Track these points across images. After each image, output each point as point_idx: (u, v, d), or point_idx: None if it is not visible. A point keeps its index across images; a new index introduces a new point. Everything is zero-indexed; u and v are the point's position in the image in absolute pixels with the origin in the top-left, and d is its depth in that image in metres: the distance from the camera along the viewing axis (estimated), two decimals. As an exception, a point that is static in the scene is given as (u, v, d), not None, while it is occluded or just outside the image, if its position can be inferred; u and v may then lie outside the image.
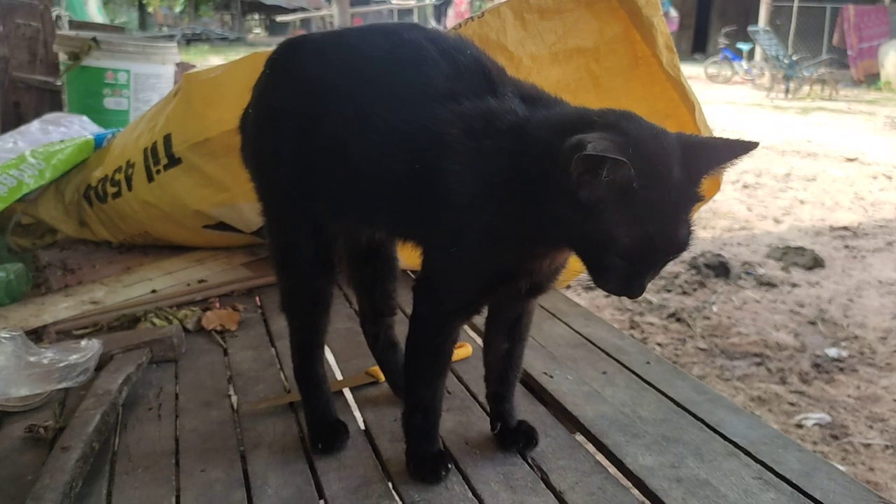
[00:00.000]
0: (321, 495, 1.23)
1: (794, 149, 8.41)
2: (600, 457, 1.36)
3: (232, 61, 2.21)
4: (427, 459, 1.26)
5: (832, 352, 3.41)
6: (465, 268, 1.15)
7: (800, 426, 2.78)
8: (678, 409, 1.48)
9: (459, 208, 1.11)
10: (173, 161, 2.16)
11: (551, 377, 1.62)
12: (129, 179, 2.27)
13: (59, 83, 3.74)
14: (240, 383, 1.62)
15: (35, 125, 2.86)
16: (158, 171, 2.19)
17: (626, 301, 3.96)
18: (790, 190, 6.54)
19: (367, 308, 1.51)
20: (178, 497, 1.23)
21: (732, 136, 1.07)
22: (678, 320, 3.73)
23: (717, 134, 1.84)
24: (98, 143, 2.59)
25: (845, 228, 5.40)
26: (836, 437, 2.71)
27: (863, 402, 2.97)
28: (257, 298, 2.09)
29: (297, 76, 1.27)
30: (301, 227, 1.30)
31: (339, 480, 1.26)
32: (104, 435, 1.37)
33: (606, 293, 1.09)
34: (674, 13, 18.82)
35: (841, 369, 3.25)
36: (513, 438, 1.35)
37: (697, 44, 20.53)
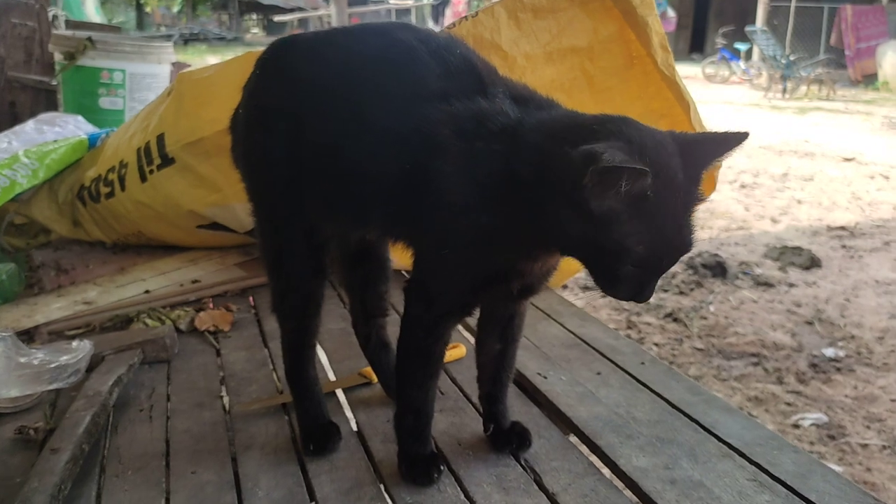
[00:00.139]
0: (312, 497, 1.22)
1: (791, 149, 8.41)
2: (594, 458, 1.35)
3: (225, 61, 2.20)
4: (419, 461, 1.25)
5: (829, 352, 3.40)
6: (457, 269, 1.14)
7: (797, 426, 2.77)
8: (672, 410, 1.48)
9: (451, 209, 1.10)
10: (166, 161, 2.15)
11: (545, 378, 1.61)
12: (122, 179, 2.26)
13: (54, 83, 3.73)
14: (232, 384, 1.61)
15: (30, 125, 2.85)
16: (152, 171, 2.18)
17: (623, 302, 3.94)
18: (787, 190, 6.54)
19: (359, 309, 1.50)
20: (167, 499, 1.22)
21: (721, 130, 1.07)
22: (675, 320, 3.73)
23: (712, 133, 1.84)
24: (92, 142, 2.58)
25: (842, 228, 5.40)
26: (833, 438, 2.70)
27: (860, 402, 2.97)
28: (251, 299, 2.08)
29: (288, 76, 1.26)
30: (292, 228, 1.29)
31: (331, 482, 1.25)
32: (94, 436, 1.36)
33: (605, 296, 1.08)
34: (671, 13, 18.81)
35: (838, 369, 3.25)
36: (506, 440, 1.34)
37: (695, 44, 20.54)
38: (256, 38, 27.21)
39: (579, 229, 0.99)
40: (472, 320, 1.36)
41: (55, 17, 4.25)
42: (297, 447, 1.36)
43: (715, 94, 13.10)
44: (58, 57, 3.52)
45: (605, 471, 1.31)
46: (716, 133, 1.05)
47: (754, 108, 11.82)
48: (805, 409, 2.90)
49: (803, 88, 13.69)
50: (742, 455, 1.32)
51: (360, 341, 1.54)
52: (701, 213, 1.07)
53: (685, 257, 1.07)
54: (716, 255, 4.53)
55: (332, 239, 1.34)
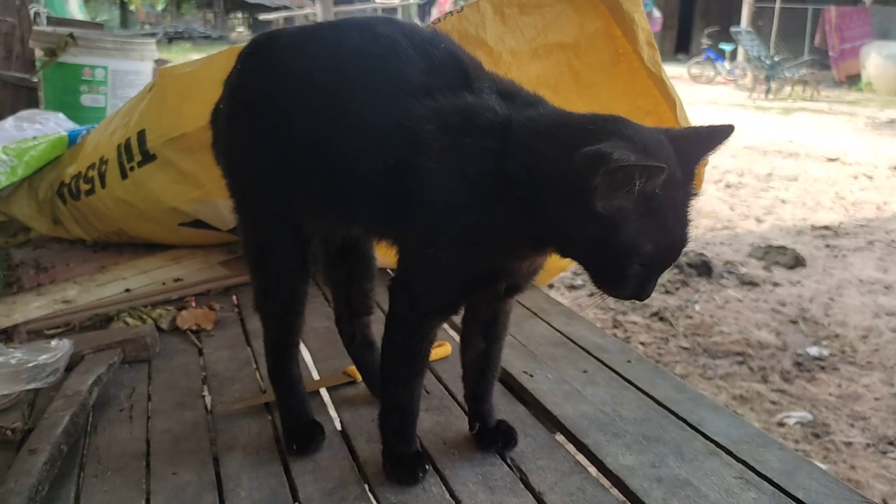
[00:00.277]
0: (296, 497, 1.21)
1: (775, 149, 8.46)
2: (580, 457, 1.34)
3: (208, 56, 2.18)
4: (404, 460, 1.24)
5: (813, 350, 3.42)
6: (443, 268, 1.13)
7: (781, 424, 2.78)
8: (659, 408, 1.47)
9: (436, 207, 1.08)
10: (148, 157, 2.12)
11: (531, 376, 1.60)
12: (102, 176, 2.23)
13: (35, 80, 3.69)
14: (214, 384, 1.59)
15: (10, 122, 2.82)
16: (132, 168, 2.15)
17: (609, 300, 3.94)
18: (772, 190, 6.58)
19: (343, 307, 1.48)
20: (148, 500, 1.20)
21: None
22: (661, 319, 3.73)
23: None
24: (72, 139, 2.55)
25: (826, 228, 5.43)
26: (817, 436, 2.71)
27: (844, 400, 2.98)
28: (234, 297, 2.05)
29: (270, 71, 1.24)
30: (275, 225, 1.28)
31: (315, 482, 1.24)
32: (73, 437, 1.33)
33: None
34: (657, 13, 18.90)
35: (822, 368, 3.26)
36: (492, 438, 1.33)
37: (680, 44, 20.64)
38: (242, 37, 27.06)
39: (584, 230, 0.99)
40: (458, 318, 1.35)
41: (37, 13, 4.20)
42: (281, 447, 1.34)
43: (700, 95, 13.16)
44: (39, 53, 3.48)
45: (592, 469, 1.30)
46: (703, 127, 1.06)
47: (739, 109, 11.89)
48: (790, 407, 2.91)
49: (787, 89, 13.79)
50: (728, 453, 1.31)
51: (343, 340, 1.52)
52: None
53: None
54: (701, 254, 4.55)
55: (316, 236, 1.32)
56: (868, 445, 2.66)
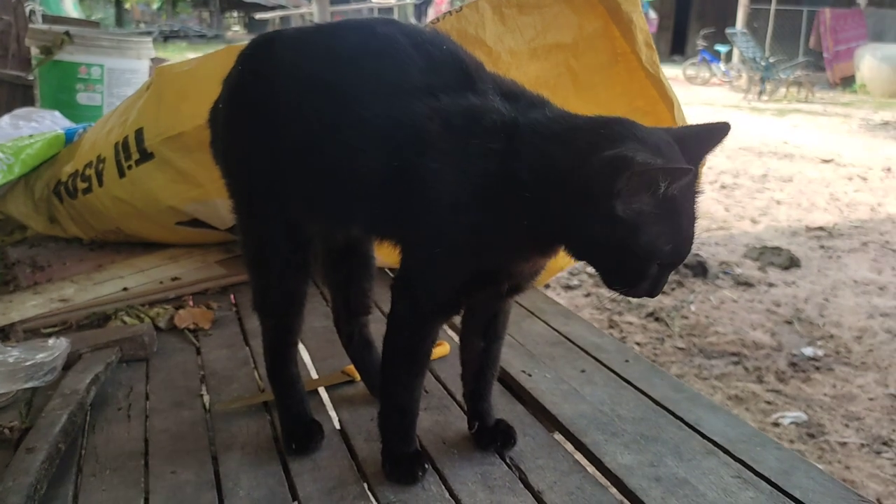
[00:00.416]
0: (295, 497, 1.21)
1: (770, 150, 8.49)
2: (579, 456, 1.35)
3: (206, 54, 2.17)
4: (403, 460, 1.24)
5: (808, 351, 3.43)
6: (447, 268, 1.13)
7: (776, 425, 2.79)
8: (657, 408, 1.47)
9: (441, 208, 1.08)
10: (145, 156, 2.11)
11: (530, 375, 1.60)
12: (99, 175, 2.23)
13: (31, 78, 3.67)
14: (213, 383, 1.59)
15: (6, 120, 2.81)
16: (130, 167, 2.14)
17: (605, 300, 3.96)
18: (767, 191, 6.60)
19: (342, 307, 1.48)
20: (146, 499, 1.19)
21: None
22: (657, 319, 3.74)
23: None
24: (69, 137, 2.54)
25: (821, 229, 5.45)
26: (812, 436, 2.72)
27: (839, 400, 3.00)
28: (232, 297, 2.05)
29: (270, 72, 1.24)
30: (274, 225, 1.27)
31: (314, 481, 1.24)
32: (71, 436, 1.33)
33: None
34: (653, 14, 18.94)
35: (817, 368, 3.28)
36: (491, 438, 1.33)
37: (676, 45, 20.68)
38: (237, 36, 27.02)
39: (602, 233, 0.99)
40: (457, 318, 1.35)
41: (32, 11, 4.19)
42: (279, 446, 1.34)
43: (695, 96, 13.19)
44: (34, 51, 3.46)
45: (591, 468, 1.31)
46: (701, 126, 1.08)
47: (734, 110, 11.92)
48: (785, 407, 2.92)
49: (782, 90, 13.83)
50: (726, 452, 1.32)
51: (342, 339, 1.52)
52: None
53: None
54: (697, 254, 4.56)
55: (316, 236, 1.32)
56: (862, 445, 2.67)
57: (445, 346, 1.70)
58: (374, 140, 1.12)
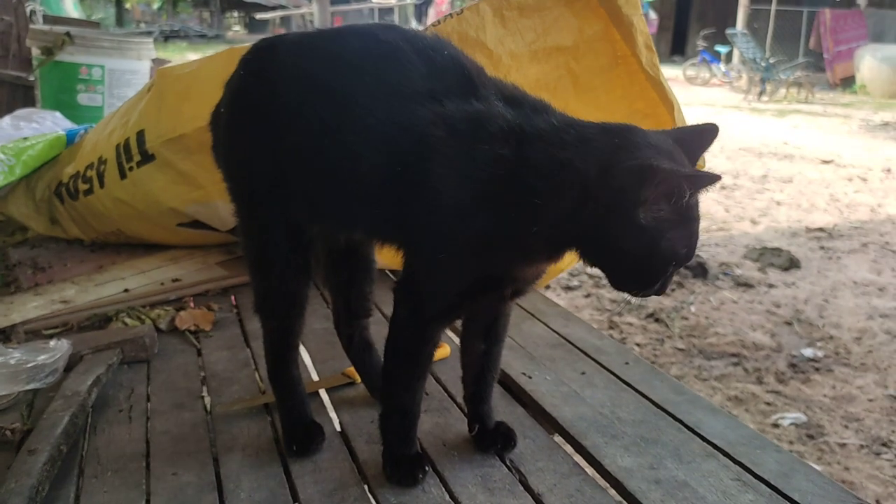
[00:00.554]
0: (296, 498, 1.21)
1: (770, 151, 8.49)
2: (579, 458, 1.35)
3: (207, 56, 2.18)
4: (404, 462, 1.24)
5: (808, 352, 3.44)
6: (450, 273, 1.13)
7: (776, 426, 2.79)
8: (657, 410, 1.48)
9: (446, 213, 1.09)
10: (146, 157, 2.11)
11: (530, 378, 1.61)
12: (101, 176, 2.23)
13: (32, 78, 3.67)
14: (214, 384, 1.59)
15: (6, 121, 2.81)
16: (131, 168, 2.15)
17: (605, 301, 3.97)
18: (767, 191, 6.61)
19: (343, 309, 1.48)
20: (147, 501, 1.20)
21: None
22: (656, 321, 3.74)
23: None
24: (70, 138, 2.54)
25: (821, 230, 5.45)
26: (812, 437, 2.73)
27: (838, 401, 3.00)
28: (233, 298, 2.06)
29: (272, 77, 1.24)
30: (276, 228, 1.27)
31: (315, 483, 1.24)
32: (73, 437, 1.33)
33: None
34: (653, 15, 18.95)
35: (816, 369, 3.28)
36: (491, 440, 1.33)
37: (676, 46, 20.68)
38: (238, 36, 27.04)
39: (623, 239, 1.02)
40: (458, 320, 1.35)
41: (33, 11, 4.19)
42: (280, 448, 1.34)
43: (695, 96, 13.20)
44: (35, 52, 3.46)
45: (590, 471, 1.31)
46: (692, 127, 1.11)
47: (734, 111, 11.93)
48: (784, 408, 2.92)
49: (782, 91, 13.84)
50: (726, 455, 1.32)
51: (342, 342, 1.52)
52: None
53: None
54: (696, 255, 4.55)
55: (318, 239, 1.32)
56: (862, 447, 2.67)
57: (446, 347, 1.70)
58: (377, 145, 1.13)
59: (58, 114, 2.95)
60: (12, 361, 1.51)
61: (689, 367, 3.26)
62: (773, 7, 15.21)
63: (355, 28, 1.27)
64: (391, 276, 2.01)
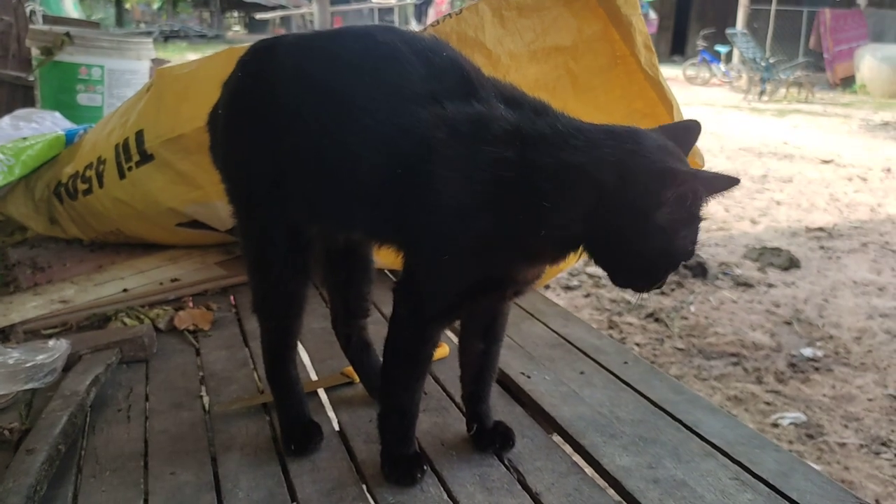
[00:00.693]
0: (293, 498, 1.21)
1: (770, 150, 8.49)
2: (577, 457, 1.35)
3: (206, 56, 2.18)
4: (402, 461, 1.24)
5: (807, 352, 3.43)
6: (452, 274, 1.13)
7: (776, 425, 2.79)
8: (656, 410, 1.48)
9: (448, 214, 1.09)
10: (145, 157, 2.11)
11: (529, 377, 1.60)
12: (100, 176, 2.23)
13: (31, 78, 3.68)
14: (212, 384, 1.59)
15: (6, 121, 2.81)
16: (130, 168, 2.15)
17: (604, 301, 3.97)
18: (767, 191, 6.60)
19: (341, 309, 1.48)
20: (146, 500, 1.20)
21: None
22: (656, 320, 3.74)
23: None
24: (69, 138, 2.54)
25: (821, 229, 5.45)
26: (811, 437, 2.73)
27: (838, 401, 3.00)
28: (232, 298, 2.06)
29: (270, 78, 1.23)
30: (274, 228, 1.27)
31: (313, 483, 1.24)
32: (71, 437, 1.33)
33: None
34: (653, 15, 18.95)
35: (816, 369, 3.28)
36: (489, 439, 1.33)
37: (676, 46, 20.68)
38: (238, 36, 27.03)
39: (638, 240, 1.03)
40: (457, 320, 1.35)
41: (32, 12, 4.20)
42: (279, 447, 1.34)
43: (695, 96, 13.20)
44: (35, 52, 3.47)
45: (589, 470, 1.31)
46: (676, 124, 1.14)
47: (734, 111, 11.92)
48: (784, 408, 2.92)
49: (782, 91, 13.84)
50: (725, 454, 1.32)
51: (340, 342, 1.52)
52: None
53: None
54: (696, 255, 4.55)
55: (316, 239, 1.32)
56: (861, 446, 2.67)
57: (445, 347, 1.70)
58: (377, 146, 1.12)
59: (57, 114, 2.95)
60: (11, 361, 1.51)
61: (688, 366, 3.26)
62: (773, 7, 15.21)
63: (353, 29, 1.27)
64: (390, 276, 2.01)
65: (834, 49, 15.30)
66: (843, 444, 2.68)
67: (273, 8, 25.03)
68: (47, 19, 4.30)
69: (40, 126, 2.77)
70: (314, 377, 1.63)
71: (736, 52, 15.25)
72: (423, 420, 1.39)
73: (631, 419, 1.44)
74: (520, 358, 1.70)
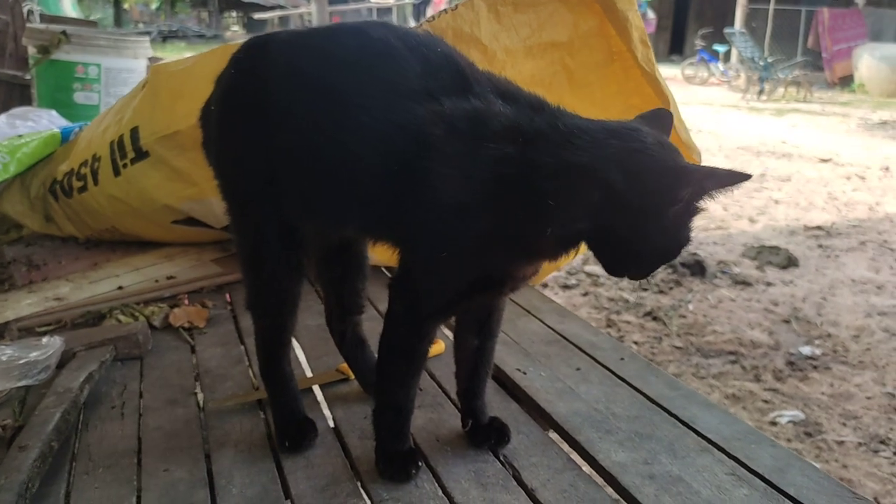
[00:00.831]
0: (287, 495, 1.20)
1: (769, 149, 8.49)
2: (573, 454, 1.34)
3: (201, 53, 2.17)
4: (397, 457, 1.24)
5: (806, 350, 3.43)
6: (449, 271, 1.12)
7: (774, 423, 2.79)
8: (651, 406, 1.47)
9: (446, 212, 1.08)
10: (140, 154, 2.11)
11: (524, 374, 1.60)
12: (95, 173, 2.22)
13: (28, 77, 3.67)
14: (207, 381, 1.59)
15: (2, 119, 2.80)
16: (125, 165, 2.14)
17: (602, 300, 3.96)
18: (765, 190, 6.60)
19: (335, 305, 1.48)
20: (139, 497, 1.19)
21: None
22: (654, 319, 3.74)
23: (693, 136, 1.85)
24: (65, 136, 2.53)
25: (819, 228, 5.45)
26: (809, 435, 2.72)
27: (836, 399, 2.99)
28: (227, 295, 2.05)
29: (263, 76, 1.23)
30: (268, 225, 1.26)
31: (307, 479, 1.23)
32: (64, 434, 1.33)
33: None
34: (651, 15, 18.94)
35: (814, 367, 3.27)
36: (484, 435, 1.33)
37: (674, 45, 20.68)
38: (236, 36, 26.99)
39: (648, 235, 1.05)
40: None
41: (30, 11, 4.19)
42: (273, 444, 1.33)
43: (694, 96, 13.20)
44: (32, 51, 3.46)
45: (585, 466, 1.30)
46: (649, 113, 1.17)
47: (732, 110, 11.92)
48: (782, 406, 2.92)
49: (781, 90, 13.84)
50: (721, 449, 1.31)
51: (334, 338, 1.51)
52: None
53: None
54: (694, 254, 4.56)
55: (311, 236, 1.31)
56: (860, 444, 2.67)
57: (441, 344, 1.69)
58: (372, 143, 1.11)
59: (54, 112, 2.95)
60: (4, 358, 1.51)
61: (686, 365, 3.25)
62: (772, 6, 15.21)
63: (347, 26, 1.26)
64: (386, 272, 2.00)
65: (832, 48, 15.30)
66: (841, 443, 2.68)
67: (271, 8, 25.03)
68: (44, 18, 4.29)
69: (36, 124, 2.77)
70: (309, 374, 1.62)
71: (734, 52, 15.23)
72: (417, 416, 1.38)
73: (627, 415, 1.43)
74: (516, 354, 1.69)
